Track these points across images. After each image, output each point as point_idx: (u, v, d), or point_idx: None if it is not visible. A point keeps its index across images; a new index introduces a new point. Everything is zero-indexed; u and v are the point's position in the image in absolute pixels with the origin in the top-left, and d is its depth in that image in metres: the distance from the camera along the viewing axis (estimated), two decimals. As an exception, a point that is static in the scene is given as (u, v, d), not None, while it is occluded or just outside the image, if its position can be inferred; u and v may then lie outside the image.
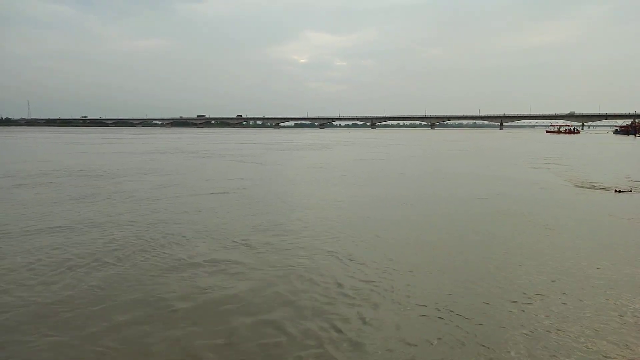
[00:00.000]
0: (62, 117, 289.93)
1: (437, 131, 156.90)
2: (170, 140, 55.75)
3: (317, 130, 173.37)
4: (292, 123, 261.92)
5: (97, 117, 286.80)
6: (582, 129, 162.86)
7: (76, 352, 3.92)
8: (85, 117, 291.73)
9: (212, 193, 12.76)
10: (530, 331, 4.25)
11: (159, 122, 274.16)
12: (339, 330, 4.28)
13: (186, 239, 7.52)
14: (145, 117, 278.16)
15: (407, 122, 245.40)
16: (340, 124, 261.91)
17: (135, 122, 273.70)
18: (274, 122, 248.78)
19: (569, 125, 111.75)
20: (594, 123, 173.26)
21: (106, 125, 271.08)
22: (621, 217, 9.46)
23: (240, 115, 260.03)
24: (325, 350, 3.94)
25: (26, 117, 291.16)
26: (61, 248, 6.91)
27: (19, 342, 4.08)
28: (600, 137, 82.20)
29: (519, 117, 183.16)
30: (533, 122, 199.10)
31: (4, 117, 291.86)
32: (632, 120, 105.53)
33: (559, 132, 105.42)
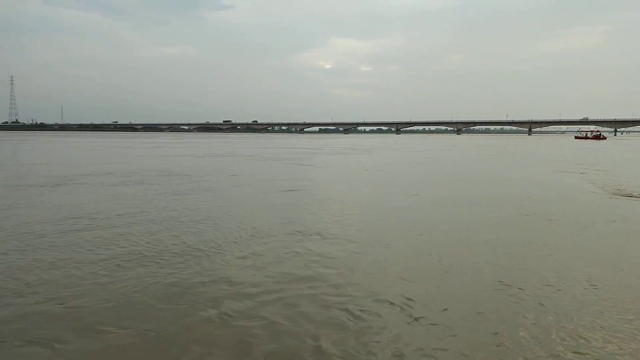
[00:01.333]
0: (94, 122, 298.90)
1: (464, 137, 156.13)
2: (214, 145, 57.99)
3: (344, 135, 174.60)
4: (316, 128, 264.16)
5: (127, 122, 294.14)
6: (615, 134, 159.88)
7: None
8: (116, 122, 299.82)
9: (285, 191, 14.30)
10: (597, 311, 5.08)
11: (186, 127, 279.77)
12: (406, 305, 5.21)
13: (274, 227, 9.00)
14: (173, 122, 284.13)
15: (432, 128, 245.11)
16: (364, 129, 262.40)
17: (163, 127, 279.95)
18: (299, 127, 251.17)
19: (595, 132, 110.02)
20: (628, 129, 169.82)
21: (136, 130, 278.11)
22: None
23: (256, 121, 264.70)
24: (404, 311, 4.91)
25: (60, 122, 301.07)
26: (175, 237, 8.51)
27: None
28: (633, 142, 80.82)
29: (547, 122, 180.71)
30: (564, 127, 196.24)
31: (38, 122, 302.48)
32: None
33: (586, 137, 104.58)
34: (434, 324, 4.63)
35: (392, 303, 5.13)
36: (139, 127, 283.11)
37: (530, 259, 6.93)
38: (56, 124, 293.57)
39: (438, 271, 6.31)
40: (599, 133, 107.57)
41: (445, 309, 5.00)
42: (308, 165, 25.36)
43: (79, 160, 28.04)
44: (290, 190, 14.41)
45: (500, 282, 5.85)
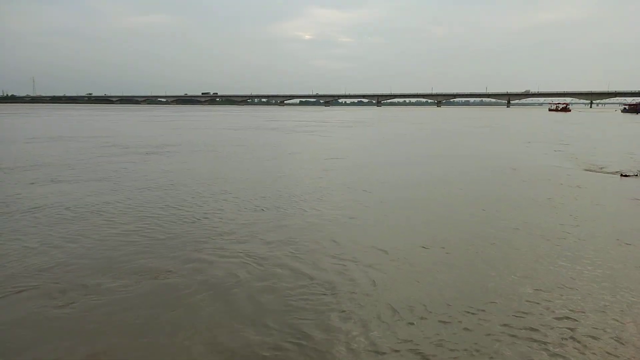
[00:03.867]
0: (67, 94, 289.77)
1: (445, 109, 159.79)
2: (227, 118, 60.04)
3: (325, 108, 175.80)
4: (297, 101, 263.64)
5: (102, 94, 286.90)
6: (591, 106, 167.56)
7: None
8: (90, 94, 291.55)
9: (327, 159, 16.81)
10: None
11: (164, 100, 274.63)
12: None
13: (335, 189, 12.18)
14: (149, 94, 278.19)
15: (413, 100, 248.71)
16: (345, 102, 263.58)
17: (139, 99, 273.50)
18: (279, 100, 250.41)
19: (562, 104, 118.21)
20: (603, 101, 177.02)
21: (111, 102, 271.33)
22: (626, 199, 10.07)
23: (217, 93, 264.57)
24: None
25: (31, 94, 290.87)
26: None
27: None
28: (607, 115, 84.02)
29: (525, 95, 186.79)
30: (541, 99, 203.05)
31: (9, 94, 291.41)
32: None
33: (557, 109, 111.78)
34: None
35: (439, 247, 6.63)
36: (114, 99, 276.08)
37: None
38: (28, 96, 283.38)
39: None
40: (565, 105, 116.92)
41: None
42: (328, 137, 28.44)
43: (130, 132, 30.23)
44: (336, 158, 17.10)
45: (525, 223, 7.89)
